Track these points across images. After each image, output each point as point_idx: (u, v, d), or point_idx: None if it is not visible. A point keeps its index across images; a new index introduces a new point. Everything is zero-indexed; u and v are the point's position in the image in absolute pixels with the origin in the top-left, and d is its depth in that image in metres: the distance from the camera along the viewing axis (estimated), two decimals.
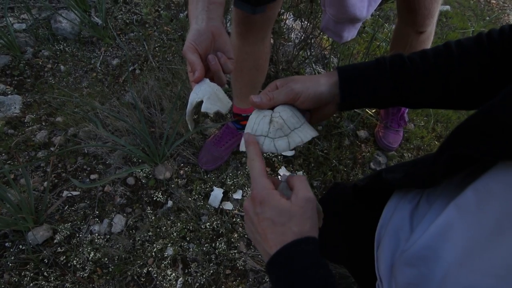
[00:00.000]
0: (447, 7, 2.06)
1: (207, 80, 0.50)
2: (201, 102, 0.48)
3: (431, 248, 0.41)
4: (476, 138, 0.33)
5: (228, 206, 1.10)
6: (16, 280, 0.94)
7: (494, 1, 2.36)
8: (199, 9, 0.49)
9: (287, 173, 1.19)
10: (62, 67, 1.45)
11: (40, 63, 1.47)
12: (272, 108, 0.45)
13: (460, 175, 0.41)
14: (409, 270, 0.43)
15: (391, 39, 1.11)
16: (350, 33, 0.73)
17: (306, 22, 1.23)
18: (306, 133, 0.43)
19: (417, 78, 0.45)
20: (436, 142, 1.36)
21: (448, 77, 0.44)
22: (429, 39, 1.01)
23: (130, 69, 1.42)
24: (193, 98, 0.48)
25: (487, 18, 2.13)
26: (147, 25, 1.60)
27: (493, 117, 0.30)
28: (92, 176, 1.15)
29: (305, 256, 0.36)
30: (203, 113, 1.30)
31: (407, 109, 1.28)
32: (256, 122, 0.44)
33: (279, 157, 1.23)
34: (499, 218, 0.31)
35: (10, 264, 0.96)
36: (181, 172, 1.16)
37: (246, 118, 1.14)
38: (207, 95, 0.48)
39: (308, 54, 1.39)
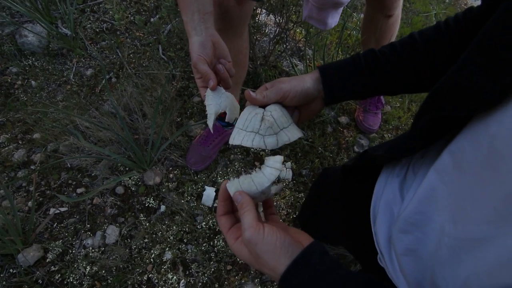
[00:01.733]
0: None
1: (223, 90, 0.56)
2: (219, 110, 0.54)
3: (421, 212, 0.44)
4: (444, 101, 0.37)
5: None
6: None
7: None
8: (196, 21, 0.54)
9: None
10: (33, 82, 1.40)
11: (9, 80, 1.41)
12: (263, 107, 0.48)
13: (440, 142, 0.45)
14: (405, 236, 0.46)
15: (361, 26, 1.16)
16: (334, 19, 0.76)
17: (279, 17, 1.25)
18: (293, 133, 0.46)
19: (389, 68, 0.49)
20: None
21: (416, 64, 0.48)
22: (397, 22, 1.07)
23: (106, 77, 1.40)
24: (217, 109, 0.53)
25: (446, 1, 2.25)
26: (118, 33, 1.57)
27: (455, 83, 0.35)
28: (79, 190, 1.12)
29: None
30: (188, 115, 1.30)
31: None
32: (248, 119, 0.46)
33: (266, 150, 1.25)
34: (475, 171, 0.34)
35: None
36: (171, 175, 1.16)
37: None
38: (228, 107, 0.54)
39: (284, 47, 1.42)
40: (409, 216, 0.46)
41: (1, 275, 0.95)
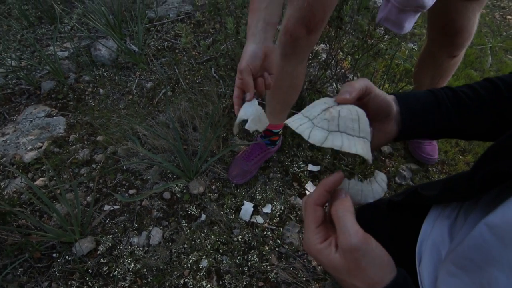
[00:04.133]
0: None
1: (256, 102, 0.59)
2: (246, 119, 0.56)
3: (471, 259, 0.43)
4: (510, 156, 0.37)
5: (259, 219, 1.15)
6: None
7: (510, 17, 2.39)
8: (258, 28, 0.56)
9: (313, 188, 1.22)
10: (101, 90, 1.58)
11: (82, 87, 1.60)
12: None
13: (495, 190, 0.45)
14: (452, 279, 0.46)
15: (418, 60, 1.13)
16: (410, 24, 0.74)
17: (329, 46, 1.31)
18: (355, 146, 0.36)
19: (473, 111, 0.47)
20: (460, 157, 1.38)
21: (500, 111, 0.46)
22: (459, 62, 1.01)
23: (164, 90, 1.53)
24: (242, 115, 0.56)
25: (504, 33, 2.16)
26: (177, 51, 1.73)
27: None
28: (131, 191, 1.22)
29: None
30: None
31: None
32: (314, 105, 0.40)
33: (305, 172, 1.28)
34: None
35: (58, 274, 1.03)
36: (213, 187, 1.23)
37: (276, 134, 1.20)
38: (252, 116, 0.57)
39: (331, 73, 1.46)
40: (458, 260, 0.46)
41: (59, 260, 1.06)
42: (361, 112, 0.39)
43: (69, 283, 1.02)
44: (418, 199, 0.58)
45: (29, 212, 1.15)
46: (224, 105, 1.44)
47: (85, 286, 1.01)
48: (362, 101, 0.44)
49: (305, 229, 0.37)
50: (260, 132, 1.23)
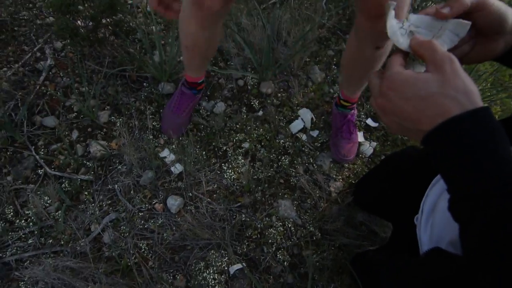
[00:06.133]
0: None
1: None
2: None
3: None
4: None
5: (304, 137, 1.29)
6: (142, 108, 1.29)
7: None
8: None
9: (362, 139, 1.30)
10: None
11: None
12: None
13: None
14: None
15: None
16: None
17: None
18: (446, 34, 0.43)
19: None
20: None
21: None
22: (384, 56, 0.90)
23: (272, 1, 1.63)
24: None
25: None
26: None
27: None
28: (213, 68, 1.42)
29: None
30: None
31: None
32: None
33: (362, 122, 1.35)
34: None
35: (143, 97, 1.31)
36: (279, 95, 1.37)
37: (202, 83, 1.21)
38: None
39: None
40: None
41: (147, 88, 1.33)
42: (452, 22, 0.44)
43: (147, 107, 1.29)
44: None
45: (139, 47, 1.42)
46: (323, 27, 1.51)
47: (157, 114, 1.28)
48: (469, 16, 0.44)
49: (387, 67, 0.42)
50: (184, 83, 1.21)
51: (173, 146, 1.22)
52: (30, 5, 1.54)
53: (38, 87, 1.28)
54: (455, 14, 0.44)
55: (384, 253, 0.89)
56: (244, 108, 1.33)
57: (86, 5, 1.25)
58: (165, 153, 1.20)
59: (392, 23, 0.44)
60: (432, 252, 0.56)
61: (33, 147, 1.15)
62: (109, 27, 1.39)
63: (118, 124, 1.23)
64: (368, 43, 0.84)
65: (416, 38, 0.42)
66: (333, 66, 1.48)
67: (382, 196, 0.94)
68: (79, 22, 1.29)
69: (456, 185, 0.39)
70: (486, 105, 0.37)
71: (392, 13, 0.45)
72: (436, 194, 0.65)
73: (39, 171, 1.12)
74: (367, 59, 0.91)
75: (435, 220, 0.63)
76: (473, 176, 0.36)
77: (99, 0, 1.23)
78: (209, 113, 1.31)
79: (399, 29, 0.45)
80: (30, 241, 1.00)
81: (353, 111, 1.24)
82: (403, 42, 0.44)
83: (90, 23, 1.29)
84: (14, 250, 0.99)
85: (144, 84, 1.35)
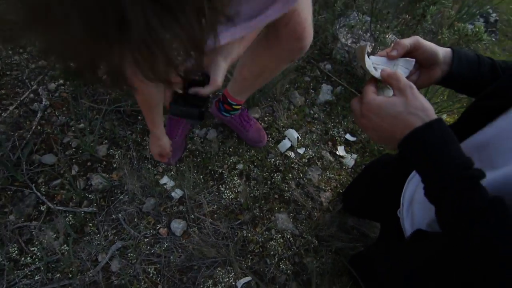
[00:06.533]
0: None
1: None
2: None
3: None
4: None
5: (292, 155, 1.41)
6: (139, 140, 1.36)
7: None
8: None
9: (343, 153, 1.44)
10: None
11: None
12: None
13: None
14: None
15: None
16: None
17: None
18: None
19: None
20: None
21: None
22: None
23: None
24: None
25: None
26: None
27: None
28: None
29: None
30: None
31: None
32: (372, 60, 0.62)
33: (342, 138, 1.50)
34: None
35: (138, 129, 1.39)
36: (265, 118, 1.50)
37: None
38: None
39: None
40: None
41: (142, 121, 1.41)
42: (402, 60, 0.61)
43: (144, 138, 1.36)
44: None
45: None
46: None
47: None
48: (411, 54, 0.62)
49: (364, 95, 0.56)
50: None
51: (172, 172, 1.29)
52: (21, 50, 1.60)
53: (34, 127, 1.32)
54: (401, 54, 0.61)
55: (377, 246, 1.00)
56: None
57: None
58: (164, 180, 1.26)
59: (367, 60, 0.59)
60: (415, 234, 0.68)
61: (34, 184, 1.17)
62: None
63: (117, 156, 1.29)
64: (286, 59, 0.98)
65: (385, 70, 0.57)
66: (311, 91, 1.65)
67: (367, 199, 1.06)
68: None
69: (426, 176, 0.53)
70: (438, 117, 0.51)
71: (367, 52, 0.60)
72: (413, 187, 0.78)
73: (41, 207, 1.14)
74: (278, 71, 1.07)
75: (414, 209, 0.75)
76: (436, 169, 0.51)
77: None
78: (202, 139, 1.41)
79: (371, 64, 0.61)
80: (37, 278, 1.01)
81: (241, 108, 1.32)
82: (375, 73, 0.59)
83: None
84: None
85: (139, 117, 1.43)
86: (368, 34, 1.82)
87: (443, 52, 0.63)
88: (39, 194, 1.15)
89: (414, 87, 0.53)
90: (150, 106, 0.98)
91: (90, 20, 0.26)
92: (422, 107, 0.51)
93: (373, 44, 1.74)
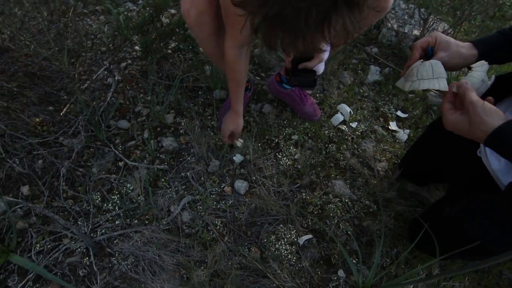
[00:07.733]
0: None
1: None
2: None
3: None
4: None
5: (345, 128, 1.45)
6: (201, 111, 1.46)
7: None
8: None
9: (395, 128, 1.46)
10: None
11: None
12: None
13: None
14: None
15: None
16: None
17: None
18: (427, 84, 0.69)
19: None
20: None
21: None
22: None
23: None
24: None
25: None
26: None
27: None
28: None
29: None
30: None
31: None
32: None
33: (393, 114, 1.52)
34: None
35: (200, 102, 1.49)
36: (317, 95, 1.56)
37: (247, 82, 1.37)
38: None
39: None
40: None
41: (202, 95, 1.52)
42: (434, 62, 0.69)
43: (205, 109, 1.46)
44: None
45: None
46: None
47: (214, 115, 1.45)
48: (436, 54, 0.74)
49: (443, 113, 0.68)
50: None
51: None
52: (92, 36, 1.79)
53: (109, 98, 1.46)
54: (421, 53, 0.76)
55: (460, 201, 0.97)
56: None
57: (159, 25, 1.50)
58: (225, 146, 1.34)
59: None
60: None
61: (112, 144, 1.29)
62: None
63: (183, 124, 1.39)
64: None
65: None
66: (359, 71, 1.70)
67: (432, 158, 1.06)
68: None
69: None
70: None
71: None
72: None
73: (119, 163, 1.25)
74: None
75: None
76: None
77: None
78: (258, 113, 1.49)
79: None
80: (117, 222, 1.10)
81: None
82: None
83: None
84: (104, 231, 1.08)
85: (199, 92, 1.54)
86: (413, 19, 1.86)
87: (465, 47, 0.74)
88: (117, 152, 1.27)
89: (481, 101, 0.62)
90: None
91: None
92: (497, 113, 0.62)
93: (421, 29, 1.77)
